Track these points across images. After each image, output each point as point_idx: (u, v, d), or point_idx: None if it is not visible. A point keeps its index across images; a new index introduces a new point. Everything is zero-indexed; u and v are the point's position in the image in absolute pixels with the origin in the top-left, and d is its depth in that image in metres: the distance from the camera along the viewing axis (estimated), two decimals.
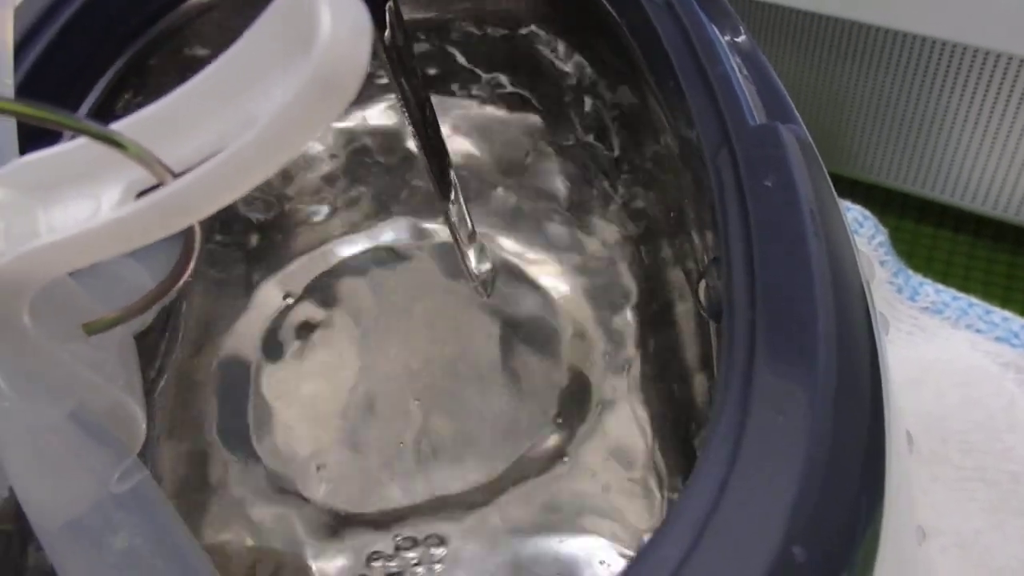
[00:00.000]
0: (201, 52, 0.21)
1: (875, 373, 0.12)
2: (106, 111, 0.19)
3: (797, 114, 0.16)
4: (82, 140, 0.11)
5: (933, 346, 0.24)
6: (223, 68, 0.10)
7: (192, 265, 0.12)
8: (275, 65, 0.10)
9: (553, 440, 0.21)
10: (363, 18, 0.09)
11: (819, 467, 0.11)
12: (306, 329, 0.23)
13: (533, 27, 0.21)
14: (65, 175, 0.11)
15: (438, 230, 0.24)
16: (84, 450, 0.12)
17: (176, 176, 0.10)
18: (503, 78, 0.23)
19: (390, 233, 0.24)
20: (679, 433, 0.19)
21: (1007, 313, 0.25)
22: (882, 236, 0.25)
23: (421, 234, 0.24)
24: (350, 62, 0.09)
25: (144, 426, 0.14)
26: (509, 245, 0.23)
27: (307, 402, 0.22)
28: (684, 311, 0.19)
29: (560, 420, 0.21)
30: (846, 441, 0.12)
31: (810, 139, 0.15)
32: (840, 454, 0.11)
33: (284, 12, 0.10)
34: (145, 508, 0.13)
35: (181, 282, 0.12)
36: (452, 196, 0.18)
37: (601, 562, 0.19)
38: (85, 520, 0.12)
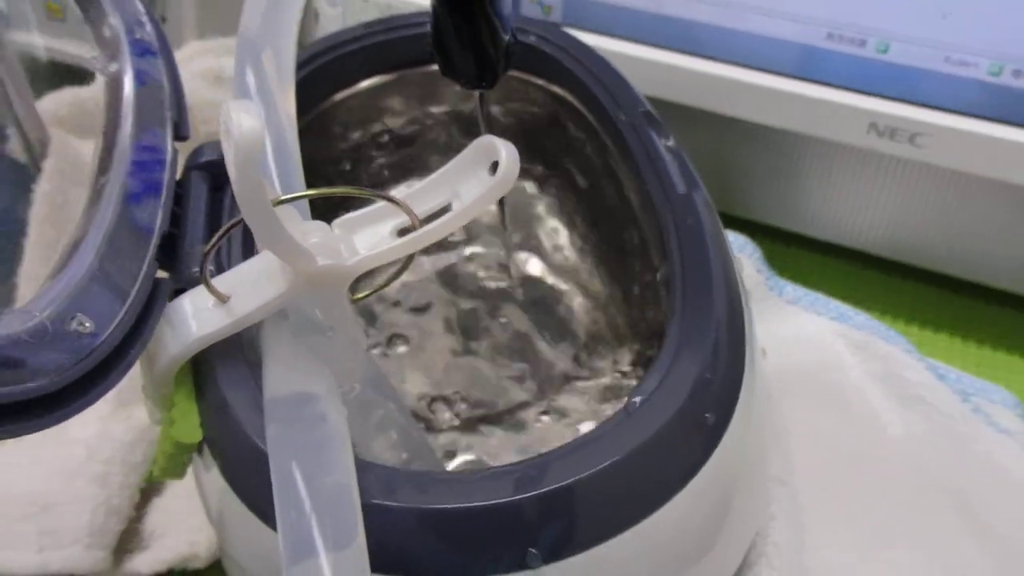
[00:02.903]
0: (338, 129, 0.32)
1: (741, 316, 0.25)
2: None
3: (700, 181, 0.28)
4: (380, 203, 0.23)
5: (793, 325, 0.38)
6: (448, 168, 0.23)
7: (411, 263, 0.24)
8: (473, 169, 0.22)
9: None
10: (516, 154, 0.22)
11: (717, 365, 0.23)
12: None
13: None
14: (361, 220, 0.23)
15: None
16: (355, 357, 0.24)
17: (422, 223, 0.22)
18: None
19: None
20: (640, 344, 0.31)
21: (840, 303, 0.38)
22: (758, 253, 0.38)
23: None
24: (513, 175, 0.21)
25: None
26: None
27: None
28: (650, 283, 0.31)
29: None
30: (730, 352, 0.24)
31: (708, 197, 0.28)
32: (726, 359, 0.24)
33: (477, 146, 0.22)
34: (386, 391, 0.24)
35: (403, 272, 0.24)
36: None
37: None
38: (355, 397, 0.24)
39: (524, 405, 0.32)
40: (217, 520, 0.24)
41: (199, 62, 0.43)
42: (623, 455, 0.20)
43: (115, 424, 0.34)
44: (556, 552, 0.19)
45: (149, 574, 0.31)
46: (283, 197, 0.20)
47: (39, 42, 0.44)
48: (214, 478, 0.22)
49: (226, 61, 0.42)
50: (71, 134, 0.40)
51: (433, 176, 0.23)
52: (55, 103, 0.41)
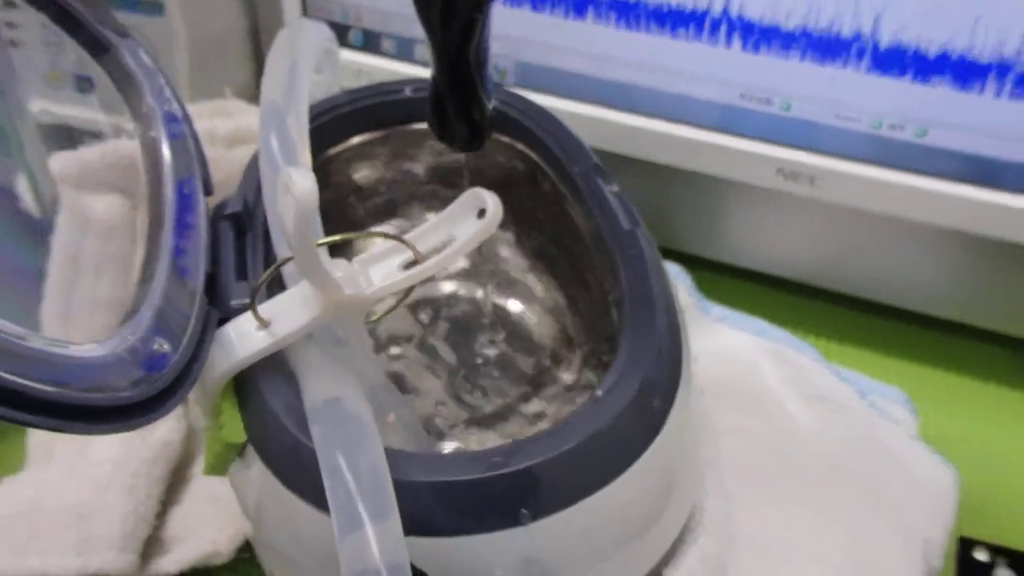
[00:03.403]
0: (334, 179, 0.38)
1: (678, 328, 0.31)
2: None
3: (641, 219, 0.35)
4: (389, 242, 0.28)
5: (720, 340, 0.44)
6: (444, 214, 0.28)
7: (411, 294, 0.29)
8: (463, 216, 0.28)
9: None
10: (499, 203, 0.27)
11: (661, 365, 0.29)
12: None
13: None
14: (375, 257, 0.28)
15: None
16: (369, 366, 0.29)
17: (424, 258, 0.28)
18: None
19: None
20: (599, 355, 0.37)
21: (759, 320, 0.45)
22: (689, 280, 0.45)
23: None
24: (497, 219, 0.27)
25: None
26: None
27: None
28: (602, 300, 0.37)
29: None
30: (670, 355, 0.30)
31: (648, 232, 0.34)
32: (667, 361, 0.30)
33: (468, 196, 0.28)
34: (395, 395, 0.30)
35: (407, 298, 0.29)
36: None
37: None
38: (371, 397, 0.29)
39: (505, 410, 0.37)
40: (256, 510, 0.29)
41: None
42: (592, 434, 0.26)
43: (136, 444, 0.38)
44: (541, 511, 0.25)
45: (175, 572, 0.35)
46: (321, 241, 0.26)
47: (38, 107, 0.49)
48: (256, 473, 0.27)
49: (219, 122, 0.47)
50: (79, 191, 0.44)
51: (432, 220, 0.28)
52: (61, 163, 0.45)
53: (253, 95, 0.55)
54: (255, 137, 0.47)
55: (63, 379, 0.21)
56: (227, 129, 0.46)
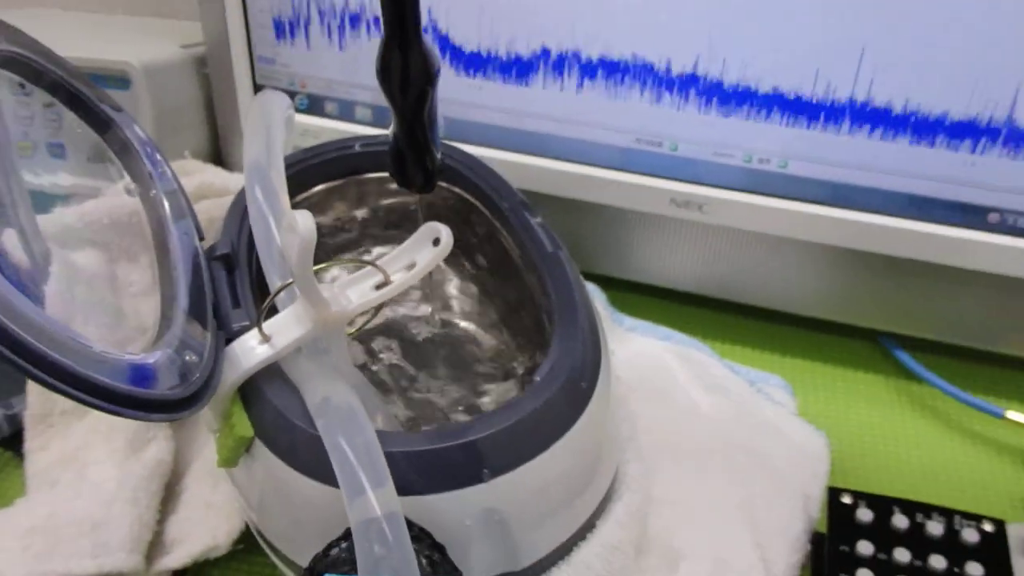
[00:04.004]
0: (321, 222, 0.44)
1: (596, 329, 0.39)
2: None
3: (562, 244, 0.42)
4: (368, 268, 0.35)
5: (632, 345, 0.52)
6: (407, 244, 0.35)
7: (382, 307, 0.36)
8: (422, 245, 0.35)
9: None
10: (451, 233, 0.35)
11: (585, 354, 0.37)
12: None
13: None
14: (352, 280, 0.35)
15: None
16: (348, 370, 0.36)
17: (391, 280, 0.35)
18: None
19: None
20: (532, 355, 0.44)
21: (664, 327, 0.53)
22: (604, 296, 0.53)
23: None
24: (449, 246, 0.35)
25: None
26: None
27: None
28: (535, 311, 0.44)
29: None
30: (592, 347, 0.37)
31: (568, 255, 0.42)
32: (591, 351, 0.37)
33: (425, 228, 0.35)
34: (370, 392, 0.36)
35: (377, 314, 0.36)
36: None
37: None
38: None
39: (457, 403, 0.44)
40: (261, 496, 0.35)
41: None
42: (535, 409, 0.33)
43: (133, 464, 0.43)
44: (498, 471, 0.32)
45: (178, 567, 0.41)
46: (316, 267, 0.33)
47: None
48: (264, 462, 0.34)
49: (184, 180, 0.53)
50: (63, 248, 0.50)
51: (398, 249, 0.35)
52: (45, 223, 0.50)
53: (209, 156, 0.61)
54: (216, 191, 0.54)
55: (135, 381, 0.27)
56: (192, 186, 0.52)
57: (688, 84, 0.49)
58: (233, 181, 0.54)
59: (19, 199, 0.48)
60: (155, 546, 0.42)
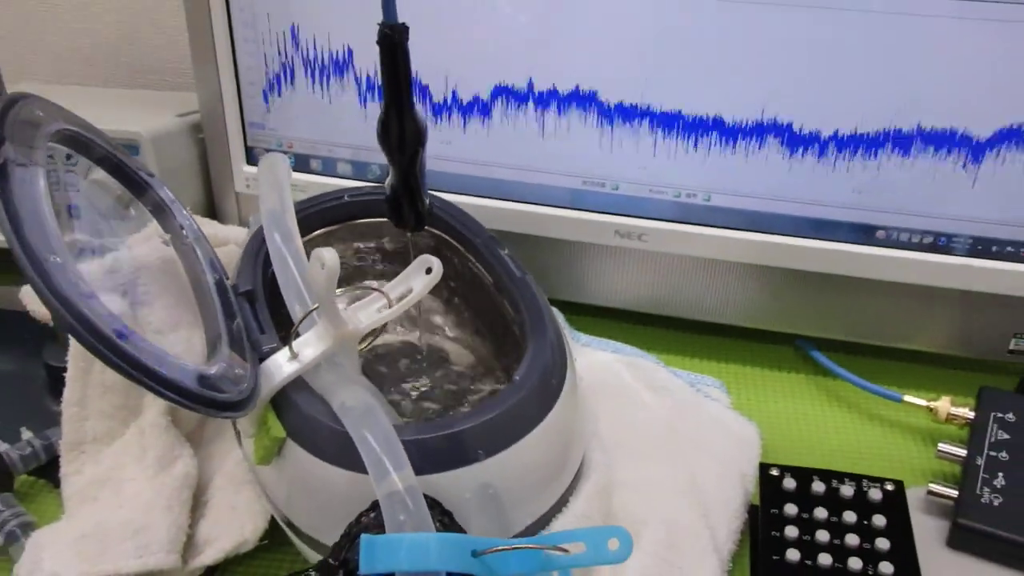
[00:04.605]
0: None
1: (562, 339, 0.47)
2: None
3: (527, 271, 0.50)
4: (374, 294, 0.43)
5: (588, 358, 0.60)
6: (404, 273, 0.43)
7: (384, 327, 0.44)
8: (416, 273, 0.43)
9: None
10: (440, 263, 0.43)
11: (555, 358, 0.45)
12: None
13: None
14: (361, 304, 0.43)
15: None
16: (358, 378, 0.43)
17: (394, 305, 0.43)
18: None
19: None
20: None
21: (615, 342, 0.61)
22: (562, 317, 0.61)
23: None
24: (439, 274, 0.43)
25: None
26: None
27: None
28: (507, 325, 0.52)
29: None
30: (560, 353, 0.45)
31: (534, 279, 0.50)
32: (558, 356, 0.45)
33: (419, 260, 0.43)
34: (380, 395, 0.44)
35: (380, 333, 0.44)
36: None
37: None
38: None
39: (445, 411, 0.51)
40: (290, 490, 0.42)
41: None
42: (516, 401, 0.41)
43: (164, 478, 0.50)
44: (490, 452, 0.39)
45: (212, 563, 0.47)
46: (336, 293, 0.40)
47: None
48: (295, 459, 0.41)
49: None
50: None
51: (397, 278, 0.43)
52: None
53: (204, 210, 0.68)
54: (218, 241, 0.61)
55: (207, 385, 0.34)
56: None
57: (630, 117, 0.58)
58: (228, 232, 0.61)
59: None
60: (188, 548, 0.48)
